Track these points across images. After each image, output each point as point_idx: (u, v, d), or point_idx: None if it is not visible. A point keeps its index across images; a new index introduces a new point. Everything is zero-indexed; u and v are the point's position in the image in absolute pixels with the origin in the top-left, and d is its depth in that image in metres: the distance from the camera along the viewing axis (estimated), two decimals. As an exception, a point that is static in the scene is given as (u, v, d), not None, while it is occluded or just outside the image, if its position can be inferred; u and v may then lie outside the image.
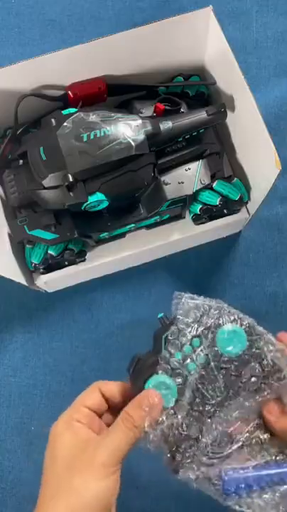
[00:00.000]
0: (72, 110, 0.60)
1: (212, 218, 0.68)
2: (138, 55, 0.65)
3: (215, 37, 0.62)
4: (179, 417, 0.43)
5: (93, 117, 0.58)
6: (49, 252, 0.64)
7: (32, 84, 0.64)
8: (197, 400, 0.44)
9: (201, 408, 0.44)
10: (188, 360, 0.45)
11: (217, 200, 0.65)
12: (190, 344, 0.45)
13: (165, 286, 0.74)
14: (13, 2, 0.87)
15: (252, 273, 0.74)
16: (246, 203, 0.68)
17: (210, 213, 0.67)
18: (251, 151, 0.64)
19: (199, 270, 0.75)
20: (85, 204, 0.58)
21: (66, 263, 0.67)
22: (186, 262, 0.75)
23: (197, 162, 0.65)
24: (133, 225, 0.66)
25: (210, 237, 0.74)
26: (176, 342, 0.45)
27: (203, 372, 0.44)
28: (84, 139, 0.57)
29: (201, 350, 0.45)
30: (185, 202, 0.66)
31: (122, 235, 0.69)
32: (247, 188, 0.67)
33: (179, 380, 0.44)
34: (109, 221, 0.65)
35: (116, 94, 0.66)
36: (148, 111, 0.65)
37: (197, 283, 0.74)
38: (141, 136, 0.58)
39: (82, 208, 0.59)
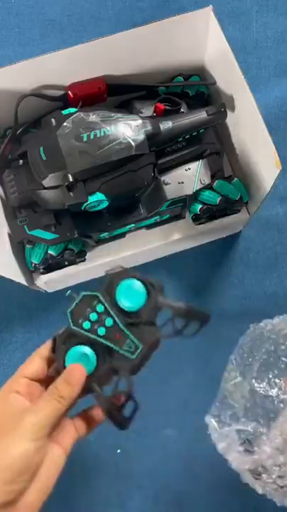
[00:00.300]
0: (72, 110, 0.60)
1: (212, 218, 0.68)
2: (138, 55, 0.65)
3: (215, 37, 0.62)
4: None
5: (93, 117, 0.58)
6: (49, 252, 0.64)
7: (32, 84, 0.64)
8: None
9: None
10: (96, 326, 0.47)
11: (217, 200, 0.65)
12: (94, 311, 0.48)
13: (165, 286, 0.74)
14: (13, 2, 0.87)
15: (252, 273, 0.74)
16: (246, 203, 0.68)
17: (210, 213, 0.67)
18: (251, 151, 0.64)
19: (199, 270, 0.75)
20: (85, 204, 0.58)
21: (66, 263, 0.67)
22: (186, 262, 0.75)
23: (197, 162, 0.65)
24: (133, 225, 0.66)
25: (210, 237, 0.74)
26: (82, 313, 0.48)
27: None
28: (84, 139, 0.57)
29: (106, 313, 0.48)
30: (185, 202, 0.66)
31: (122, 235, 0.69)
32: (247, 188, 0.67)
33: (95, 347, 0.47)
34: (109, 221, 0.65)
35: (116, 94, 0.66)
36: (148, 111, 0.65)
37: (197, 283, 0.74)
38: (141, 136, 0.58)
39: (82, 208, 0.59)
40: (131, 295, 0.48)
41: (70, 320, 0.49)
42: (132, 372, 0.47)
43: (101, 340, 0.47)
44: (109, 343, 0.47)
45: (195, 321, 0.50)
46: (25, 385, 0.44)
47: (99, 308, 0.48)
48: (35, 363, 0.46)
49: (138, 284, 0.48)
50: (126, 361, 0.47)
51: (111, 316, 0.48)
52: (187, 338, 0.50)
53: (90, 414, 0.47)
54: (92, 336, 0.47)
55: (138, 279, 0.48)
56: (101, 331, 0.48)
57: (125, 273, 0.48)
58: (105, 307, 0.48)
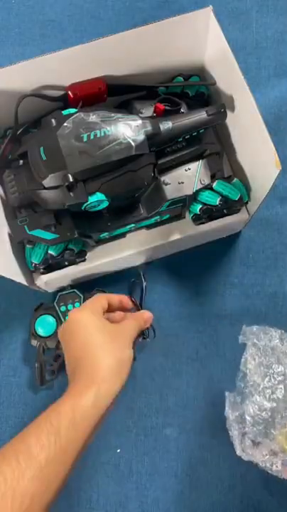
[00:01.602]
0: (72, 110, 0.60)
1: (212, 218, 0.68)
2: (138, 55, 0.65)
3: (215, 37, 0.62)
4: None
5: (93, 117, 0.58)
6: (49, 252, 0.64)
7: (32, 85, 0.64)
8: None
9: None
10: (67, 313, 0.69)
11: (217, 200, 0.65)
12: (73, 304, 0.71)
13: (165, 286, 0.74)
14: (13, 2, 0.87)
15: (252, 273, 0.74)
16: (246, 203, 0.68)
17: (210, 213, 0.67)
18: (251, 151, 0.64)
19: (200, 270, 0.75)
20: (85, 204, 0.58)
21: (66, 263, 0.67)
22: (186, 262, 0.75)
23: (197, 162, 0.65)
24: (133, 225, 0.66)
25: (210, 237, 0.74)
26: (66, 301, 0.71)
27: None
28: (84, 139, 0.57)
29: None
30: (185, 202, 0.66)
31: (122, 235, 0.69)
32: (247, 188, 0.67)
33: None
34: (109, 221, 0.65)
35: (116, 94, 0.66)
36: (148, 111, 0.65)
37: (197, 283, 0.74)
38: (141, 137, 0.58)
39: (82, 208, 0.59)
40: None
41: (57, 299, 0.71)
42: None
43: (64, 322, 0.63)
44: None
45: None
46: (103, 309, 0.58)
47: (77, 304, 0.70)
48: (104, 300, 0.59)
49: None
50: None
51: None
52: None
53: None
54: (61, 317, 0.70)
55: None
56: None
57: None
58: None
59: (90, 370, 0.51)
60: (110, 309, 0.61)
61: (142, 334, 0.66)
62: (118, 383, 0.51)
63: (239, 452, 0.61)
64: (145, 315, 0.62)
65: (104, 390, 0.50)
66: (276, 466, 0.59)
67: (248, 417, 0.60)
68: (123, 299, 0.63)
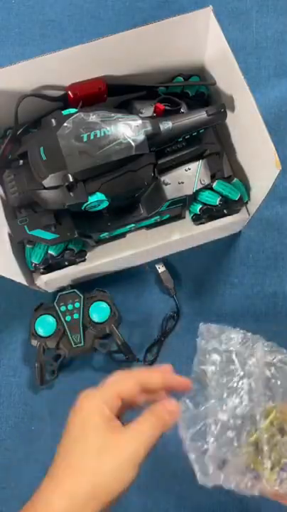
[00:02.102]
0: (72, 110, 0.60)
1: (212, 218, 0.68)
2: (138, 55, 0.65)
3: (215, 37, 0.62)
4: None
5: (93, 117, 0.58)
6: (49, 252, 0.64)
7: (32, 85, 0.64)
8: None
9: None
10: (67, 313, 0.70)
11: (216, 200, 0.65)
12: (73, 304, 0.70)
13: (165, 286, 0.74)
14: (13, 2, 0.87)
15: (252, 273, 0.74)
16: (246, 203, 0.68)
17: (210, 213, 0.67)
18: (251, 151, 0.64)
19: (199, 270, 0.75)
20: (85, 204, 0.58)
21: (66, 263, 0.67)
22: (186, 262, 0.75)
23: (197, 162, 0.65)
24: (133, 225, 0.66)
25: (210, 237, 0.74)
26: (66, 301, 0.71)
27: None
28: (84, 139, 0.57)
29: (78, 310, 0.70)
30: (185, 202, 0.66)
31: (122, 235, 0.69)
32: (247, 188, 0.67)
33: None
34: (109, 221, 0.65)
35: (116, 94, 0.66)
36: (148, 111, 0.65)
37: (197, 283, 0.74)
38: (141, 137, 0.58)
39: (82, 208, 0.59)
40: (100, 312, 0.70)
41: (57, 299, 0.70)
42: (70, 352, 0.69)
43: (64, 322, 0.69)
44: (66, 328, 0.69)
45: (125, 352, 0.69)
46: (116, 404, 0.43)
47: (77, 304, 0.70)
48: (133, 385, 0.44)
49: (106, 309, 0.70)
50: (68, 345, 0.69)
51: (80, 314, 0.69)
52: (113, 360, 0.70)
53: None
54: (61, 317, 0.69)
55: (109, 305, 0.70)
56: (68, 318, 0.69)
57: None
58: (80, 306, 0.70)
59: (63, 472, 0.41)
60: (146, 391, 0.46)
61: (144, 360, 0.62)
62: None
63: (201, 481, 0.51)
64: (169, 405, 0.45)
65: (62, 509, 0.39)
66: (246, 486, 0.51)
67: (211, 438, 0.51)
68: (164, 373, 0.47)
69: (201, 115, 0.61)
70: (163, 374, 0.47)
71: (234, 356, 0.53)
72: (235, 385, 0.52)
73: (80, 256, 0.67)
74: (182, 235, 0.69)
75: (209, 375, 0.52)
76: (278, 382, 0.52)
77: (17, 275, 0.63)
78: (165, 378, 0.46)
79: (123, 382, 0.44)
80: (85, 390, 0.44)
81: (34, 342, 0.70)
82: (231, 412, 0.51)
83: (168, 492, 0.67)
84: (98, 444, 0.41)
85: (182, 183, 0.64)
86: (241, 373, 0.52)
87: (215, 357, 0.53)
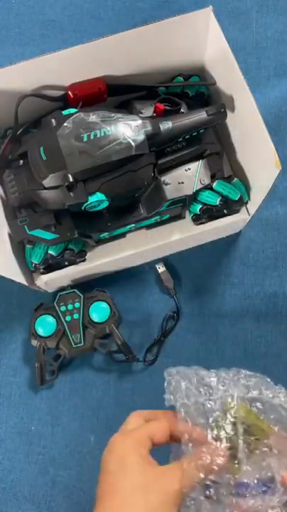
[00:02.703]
0: (72, 110, 0.60)
1: (212, 218, 0.68)
2: (138, 55, 0.65)
3: (215, 37, 0.62)
4: None
5: (93, 117, 0.58)
6: (49, 252, 0.64)
7: (32, 85, 0.64)
8: None
9: None
10: (67, 313, 0.70)
11: (217, 200, 0.65)
12: (73, 304, 0.70)
13: (165, 286, 0.74)
14: (13, 2, 0.87)
15: (252, 273, 0.74)
16: (246, 203, 0.68)
17: (210, 213, 0.67)
18: (251, 151, 0.64)
19: (200, 270, 0.75)
20: (85, 204, 0.58)
21: (66, 263, 0.67)
22: (186, 262, 0.75)
23: (197, 162, 0.65)
24: (133, 225, 0.66)
25: (210, 237, 0.74)
26: (66, 301, 0.70)
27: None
28: (85, 139, 0.57)
29: (78, 310, 0.70)
30: (185, 202, 0.66)
31: (122, 235, 0.69)
32: (247, 188, 0.67)
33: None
34: (109, 221, 0.65)
35: (116, 94, 0.66)
36: (148, 111, 0.65)
37: (197, 283, 0.74)
38: (141, 137, 0.58)
39: (82, 208, 0.59)
40: (100, 312, 0.70)
41: (57, 299, 0.70)
42: (70, 352, 0.69)
43: (64, 322, 0.69)
44: (66, 328, 0.69)
45: (125, 352, 0.69)
46: (149, 448, 0.44)
47: (77, 304, 0.70)
48: (166, 430, 0.45)
49: (106, 309, 0.70)
50: (68, 345, 0.69)
51: (80, 314, 0.69)
52: (113, 360, 0.70)
53: None
54: (61, 317, 0.70)
55: (109, 305, 0.70)
56: (68, 318, 0.69)
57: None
58: (80, 306, 0.70)
59: None
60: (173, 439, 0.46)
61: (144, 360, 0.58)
62: None
63: None
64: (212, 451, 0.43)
65: None
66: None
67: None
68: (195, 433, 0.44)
69: (201, 115, 0.61)
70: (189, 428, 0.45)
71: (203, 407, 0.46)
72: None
73: (80, 256, 0.67)
74: (182, 235, 0.69)
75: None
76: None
77: (17, 275, 0.63)
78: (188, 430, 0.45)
79: (158, 427, 0.45)
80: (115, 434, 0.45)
81: (34, 342, 0.70)
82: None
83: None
84: (142, 481, 0.41)
85: (182, 183, 0.64)
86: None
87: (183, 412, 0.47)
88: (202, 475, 0.42)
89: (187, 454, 0.43)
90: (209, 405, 0.46)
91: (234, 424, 0.45)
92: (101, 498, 0.42)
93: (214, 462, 0.42)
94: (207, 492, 0.43)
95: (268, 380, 0.48)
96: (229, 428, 0.45)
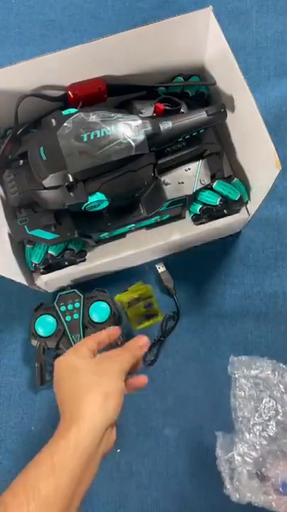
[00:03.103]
0: (72, 110, 0.60)
1: (212, 218, 0.68)
2: (138, 55, 0.65)
3: (215, 37, 0.62)
4: None
5: (93, 117, 0.58)
6: (49, 252, 0.64)
7: (32, 85, 0.64)
8: None
9: None
10: (67, 313, 0.70)
11: (217, 200, 0.65)
12: (73, 304, 0.71)
13: (165, 286, 0.74)
14: (13, 2, 0.87)
15: (252, 273, 0.74)
16: (246, 203, 0.68)
17: (210, 213, 0.67)
18: (251, 151, 0.64)
19: (199, 270, 0.75)
20: (85, 204, 0.58)
21: (66, 263, 0.67)
22: (186, 262, 0.75)
23: (197, 162, 0.65)
24: (133, 225, 0.66)
25: (210, 237, 0.74)
26: (66, 300, 0.71)
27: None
28: (85, 139, 0.57)
29: (78, 310, 0.70)
30: (185, 202, 0.66)
31: (122, 235, 0.69)
32: (247, 188, 0.67)
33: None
34: (109, 221, 0.65)
35: (116, 94, 0.67)
36: (148, 111, 0.65)
37: (197, 283, 0.74)
38: (141, 137, 0.58)
39: (82, 208, 0.59)
40: (100, 312, 0.70)
41: (57, 299, 0.70)
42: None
43: (64, 322, 0.69)
44: (66, 327, 0.69)
45: None
46: (92, 348, 0.54)
47: (77, 304, 0.70)
48: (92, 342, 0.54)
49: (106, 309, 0.70)
50: (68, 345, 0.69)
51: (80, 314, 0.70)
52: None
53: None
54: (61, 317, 0.70)
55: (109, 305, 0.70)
56: (68, 318, 0.69)
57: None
58: (80, 306, 0.70)
59: (73, 410, 0.48)
60: (101, 347, 0.56)
61: (143, 359, 0.62)
62: (103, 418, 0.47)
63: (228, 492, 0.59)
64: (140, 341, 0.56)
65: (86, 428, 0.46)
66: (271, 504, 0.56)
67: (237, 457, 0.58)
68: (111, 333, 0.58)
69: (201, 115, 0.61)
70: (109, 333, 0.57)
71: (263, 382, 0.60)
72: (263, 408, 0.59)
73: (80, 256, 0.67)
74: (182, 235, 0.69)
75: (239, 399, 0.60)
76: None
77: (17, 275, 0.63)
78: (109, 335, 0.57)
79: (85, 341, 0.54)
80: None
81: (34, 342, 0.70)
82: (258, 432, 0.58)
83: (168, 492, 0.67)
84: (89, 374, 0.50)
85: (182, 183, 0.64)
86: (271, 400, 0.59)
87: (243, 382, 0.60)
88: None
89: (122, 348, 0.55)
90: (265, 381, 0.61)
91: None
92: (64, 403, 0.49)
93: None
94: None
95: None
96: None
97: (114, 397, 0.49)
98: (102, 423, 0.47)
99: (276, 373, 0.62)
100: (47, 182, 0.58)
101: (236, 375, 0.61)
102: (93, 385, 0.49)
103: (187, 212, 0.70)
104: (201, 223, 0.69)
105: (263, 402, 0.59)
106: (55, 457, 0.46)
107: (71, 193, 0.57)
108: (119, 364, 0.52)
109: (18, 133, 0.65)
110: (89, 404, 0.47)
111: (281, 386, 0.61)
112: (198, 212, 0.67)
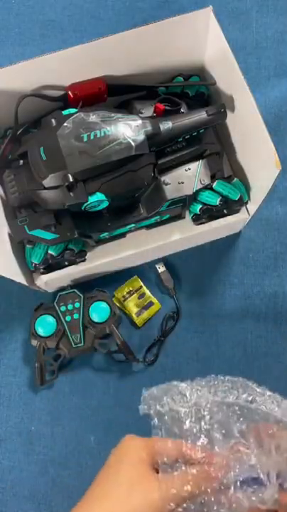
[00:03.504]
0: (72, 110, 0.60)
1: (212, 218, 0.68)
2: (138, 55, 0.65)
3: (215, 37, 0.62)
4: None
5: (93, 117, 0.58)
6: (49, 252, 0.64)
7: (32, 85, 0.64)
8: None
9: None
10: (67, 313, 0.70)
11: (216, 200, 0.65)
12: (73, 304, 0.70)
13: (165, 287, 0.74)
14: (13, 2, 0.87)
15: (252, 273, 0.74)
16: (246, 203, 0.68)
17: (210, 213, 0.67)
18: (251, 151, 0.64)
19: (199, 270, 0.75)
20: (85, 204, 0.58)
21: (66, 263, 0.67)
22: (186, 262, 0.75)
23: (197, 162, 0.65)
24: (133, 225, 0.66)
25: (210, 237, 0.74)
26: (66, 301, 0.70)
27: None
28: (85, 139, 0.57)
29: (78, 310, 0.70)
30: (185, 202, 0.66)
31: (122, 235, 0.69)
32: (247, 188, 0.67)
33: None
34: (109, 221, 0.65)
35: (116, 94, 0.67)
36: (148, 111, 0.65)
37: (197, 283, 0.74)
38: (141, 137, 0.58)
39: (82, 208, 0.59)
40: (100, 312, 0.70)
41: (57, 299, 0.70)
42: (70, 352, 0.69)
43: (64, 322, 0.69)
44: (66, 328, 0.69)
45: (125, 352, 0.69)
46: (154, 457, 0.45)
47: (77, 304, 0.70)
48: (170, 448, 0.44)
49: (106, 309, 0.70)
50: (68, 345, 0.69)
51: (80, 314, 0.69)
52: (113, 360, 0.70)
53: None
54: (61, 317, 0.69)
55: (109, 306, 0.70)
56: (68, 318, 0.69)
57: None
58: (80, 306, 0.70)
59: None
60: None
61: (144, 360, 0.58)
62: None
63: None
64: (212, 472, 0.43)
65: None
66: None
67: None
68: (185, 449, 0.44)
69: (201, 115, 0.61)
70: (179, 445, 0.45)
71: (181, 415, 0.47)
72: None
73: (80, 256, 0.67)
74: (182, 235, 0.69)
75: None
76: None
77: (17, 275, 0.63)
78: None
79: (165, 443, 0.45)
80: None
81: (34, 342, 0.70)
82: None
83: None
84: (130, 476, 0.43)
85: (182, 183, 0.64)
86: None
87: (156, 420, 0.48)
88: (172, 504, 0.42)
89: (164, 476, 0.43)
90: (183, 412, 0.47)
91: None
92: (87, 492, 0.44)
93: (183, 491, 0.42)
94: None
95: (249, 383, 0.48)
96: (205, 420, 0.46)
97: None
98: None
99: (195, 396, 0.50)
100: (47, 182, 0.58)
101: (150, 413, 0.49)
102: (122, 495, 0.42)
103: (187, 212, 0.70)
104: (201, 223, 0.69)
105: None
106: None
107: (71, 193, 0.57)
108: (166, 490, 0.42)
109: (18, 133, 0.65)
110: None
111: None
112: (198, 212, 0.67)
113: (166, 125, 0.60)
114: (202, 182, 0.65)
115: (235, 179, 0.66)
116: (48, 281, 0.67)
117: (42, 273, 0.67)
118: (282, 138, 0.79)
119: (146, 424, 0.69)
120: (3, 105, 0.63)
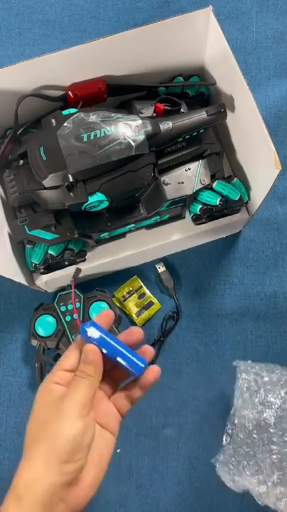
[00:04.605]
0: (72, 110, 0.60)
1: (212, 218, 0.68)
2: (138, 55, 0.65)
3: (215, 37, 0.62)
4: None
5: (93, 117, 0.58)
6: (49, 252, 0.64)
7: (32, 85, 0.64)
8: None
9: None
10: (67, 313, 0.70)
11: (216, 200, 0.65)
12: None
13: (165, 287, 0.74)
14: (13, 2, 0.87)
15: (252, 273, 0.74)
16: (246, 203, 0.68)
17: (210, 213, 0.67)
18: (251, 151, 0.64)
19: (199, 270, 0.75)
20: (85, 204, 0.58)
21: (66, 263, 0.67)
22: (186, 262, 0.75)
23: (197, 162, 0.65)
24: (133, 225, 0.66)
25: (210, 237, 0.74)
26: (66, 301, 0.71)
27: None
28: (85, 139, 0.57)
29: (78, 310, 0.70)
30: (184, 202, 0.66)
31: (122, 235, 0.69)
32: (247, 188, 0.67)
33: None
34: (109, 221, 0.65)
35: (116, 94, 0.67)
36: (148, 111, 0.65)
37: (197, 283, 0.74)
38: (141, 137, 0.58)
39: (82, 208, 0.59)
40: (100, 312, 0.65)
41: (57, 299, 0.70)
42: None
43: (64, 322, 0.70)
44: (66, 327, 0.69)
45: None
46: (64, 377, 0.45)
47: (77, 304, 0.70)
48: (74, 355, 0.46)
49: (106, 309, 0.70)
50: (68, 345, 0.65)
51: (80, 314, 0.70)
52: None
53: (128, 391, 0.47)
54: (61, 317, 0.70)
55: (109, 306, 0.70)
56: (68, 318, 0.70)
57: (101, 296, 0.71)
58: (80, 306, 0.70)
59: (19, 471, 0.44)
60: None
61: None
62: (53, 476, 0.41)
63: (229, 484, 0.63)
64: (87, 349, 0.45)
65: (27, 499, 0.43)
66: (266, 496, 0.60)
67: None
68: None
69: (201, 115, 0.61)
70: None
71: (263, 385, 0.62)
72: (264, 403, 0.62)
73: (80, 256, 0.67)
74: (182, 235, 0.69)
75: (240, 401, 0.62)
76: None
77: (17, 275, 0.63)
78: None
79: (65, 357, 0.46)
80: None
81: (34, 342, 0.70)
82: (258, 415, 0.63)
83: (168, 492, 0.67)
84: (43, 420, 0.43)
85: (182, 183, 0.64)
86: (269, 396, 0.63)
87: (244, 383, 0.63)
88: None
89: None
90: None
91: None
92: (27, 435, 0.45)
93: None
94: None
95: None
96: None
97: (70, 447, 0.41)
98: (50, 484, 0.42)
99: (275, 375, 0.64)
100: (47, 182, 0.58)
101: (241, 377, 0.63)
102: (39, 438, 0.43)
103: (187, 212, 0.70)
104: (201, 223, 0.69)
105: (264, 399, 0.62)
106: None
107: (71, 193, 0.57)
108: (73, 395, 0.43)
109: (18, 133, 0.65)
110: (32, 470, 0.43)
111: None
112: (198, 212, 0.67)
113: (166, 125, 0.60)
114: (202, 182, 0.65)
115: (235, 179, 0.66)
116: (48, 281, 0.68)
117: (42, 273, 0.67)
118: (282, 138, 0.79)
119: (145, 421, 0.69)
120: (3, 105, 0.63)
